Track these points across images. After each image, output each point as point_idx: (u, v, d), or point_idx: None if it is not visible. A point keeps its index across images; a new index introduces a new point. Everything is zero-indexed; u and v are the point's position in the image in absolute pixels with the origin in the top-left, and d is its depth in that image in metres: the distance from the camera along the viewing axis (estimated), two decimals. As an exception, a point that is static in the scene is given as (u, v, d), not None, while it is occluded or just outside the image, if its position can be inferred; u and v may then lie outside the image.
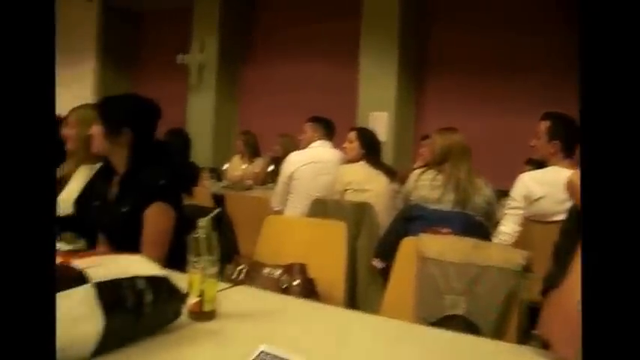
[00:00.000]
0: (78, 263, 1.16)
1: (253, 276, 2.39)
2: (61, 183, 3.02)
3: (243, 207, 3.99)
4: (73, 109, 3.07)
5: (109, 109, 2.37)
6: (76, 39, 9.75)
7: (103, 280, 1.14)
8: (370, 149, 4.14)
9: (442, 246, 2.18)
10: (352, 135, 4.23)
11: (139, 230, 2.26)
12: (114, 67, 9.66)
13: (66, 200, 2.90)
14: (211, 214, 1.52)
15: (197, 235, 1.45)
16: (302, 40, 7.89)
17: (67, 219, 2.70)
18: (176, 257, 2.11)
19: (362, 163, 4.08)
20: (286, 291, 2.26)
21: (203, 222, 1.46)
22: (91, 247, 2.43)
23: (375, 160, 4.11)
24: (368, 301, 3.47)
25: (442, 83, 6.83)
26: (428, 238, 2.27)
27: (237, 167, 6.13)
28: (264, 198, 4.57)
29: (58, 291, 1.08)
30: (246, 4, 8.45)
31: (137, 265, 1.28)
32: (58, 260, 1.18)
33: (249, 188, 5.47)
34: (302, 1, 7.92)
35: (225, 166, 6.21)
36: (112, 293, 1.14)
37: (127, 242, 2.23)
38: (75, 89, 9.47)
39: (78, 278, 1.12)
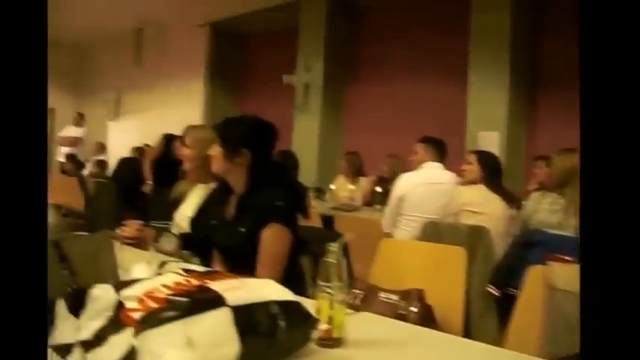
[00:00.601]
0: (215, 286, 1.14)
1: (369, 300, 2.34)
2: (177, 202, 3.10)
3: (353, 228, 3.94)
4: (189, 130, 3.15)
5: (228, 130, 2.40)
6: (186, 63, 10.14)
7: (239, 304, 1.12)
8: (490, 173, 4.00)
9: (573, 276, 2.04)
10: (472, 157, 4.11)
11: (255, 250, 2.27)
12: (221, 89, 9.95)
13: (181, 219, 2.97)
14: (342, 239, 1.48)
15: (328, 260, 1.41)
16: (408, 58, 7.81)
17: (182, 237, 2.75)
18: (290, 278, 2.10)
19: (480, 185, 3.96)
20: (403, 317, 2.19)
21: (334, 247, 1.42)
22: (204, 266, 2.46)
23: (495, 184, 3.97)
24: (481, 329, 3.33)
25: (556, 101, 6.51)
26: (558, 266, 2.13)
27: (343, 188, 6.11)
28: (373, 219, 4.51)
29: (196, 313, 1.07)
30: (351, 23, 8.47)
31: (271, 290, 1.25)
32: (196, 282, 1.17)
33: (356, 209, 5.43)
34: (407, 18, 7.86)
35: (332, 187, 6.20)
36: (248, 318, 1.13)
37: (243, 262, 2.24)
38: (184, 111, 9.83)
39: (216, 301, 1.10)
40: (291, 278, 2.16)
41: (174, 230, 2.89)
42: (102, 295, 1.21)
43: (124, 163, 8.26)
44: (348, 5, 8.32)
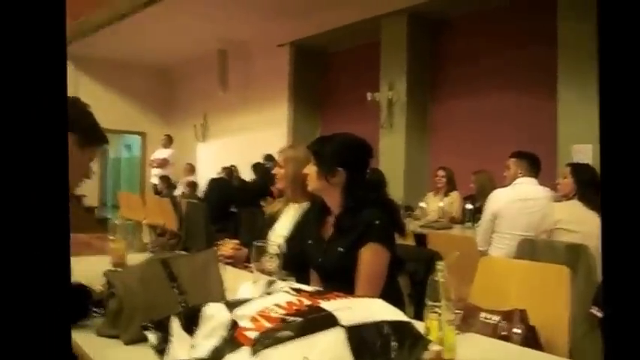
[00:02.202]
0: (327, 305, 1.14)
1: (469, 321, 2.29)
2: (271, 221, 3.14)
3: (446, 246, 3.88)
4: (283, 150, 3.19)
5: (323, 149, 2.41)
6: (269, 83, 10.33)
7: (352, 324, 1.12)
8: (586, 187, 3.83)
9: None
10: (566, 170, 3.98)
11: (353, 270, 2.26)
12: (304, 108, 10.06)
13: (276, 238, 3.00)
14: (449, 257, 1.45)
15: (436, 279, 1.38)
16: (493, 71, 7.65)
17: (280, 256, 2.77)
18: (388, 298, 2.08)
19: (574, 201, 3.81)
20: (505, 338, 2.12)
21: (441, 265, 1.39)
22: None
23: (591, 199, 3.79)
24: (584, 352, 3.19)
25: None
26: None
27: (433, 205, 6.04)
28: (466, 237, 4.43)
29: (310, 333, 1.07)
30: (433, 37, 8.40)
31: (382, 309, 1.24)
32: (307, 301, 1.18)
33: (448, 227, 5.35)
34: (492, 31, 7.72)
35: (422, 204, 6.14)
36: (361, 338, 1.12)
37: (340, 282, 2.23)
38: (270, 131, 10.00)
39: (329, 321, 1.10)
40: (389, 297, 2.14)
41: (272, 249, 2.92)
42: (215, 314, 1.23)
43: (213, 183, 8.48)
44: (430, 20, 8.26)
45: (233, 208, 8.01)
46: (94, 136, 1.96)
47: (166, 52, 11.87)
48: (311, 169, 2.41)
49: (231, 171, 8.76)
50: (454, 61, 8.20)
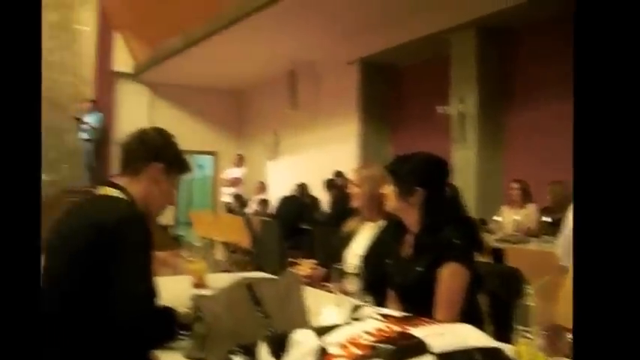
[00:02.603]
0: (417, 332, 1.14)
1: (555, 342, 2.22)
2: (347, 240, 3.14)
3: (526, 262, 3.78)
4: (358, 168, 3.21)
5: (402, 169, 2.40)
6: (339, 100, 10.38)
7: (443, 351, 1.11)
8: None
9: None
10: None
11: (431, 290, 2.24)
12: (374, 124, 10.04)
13: (352, 257, 3.00)
14: (542, 281, 1.42)
15: (527, 304, 1.36)
16: (566, 79, 7.40)
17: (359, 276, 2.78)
18: (468, 317, 2.04)
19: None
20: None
21: (531, 289, 1.36)
22: (377, 305, 2.45)
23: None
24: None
25: None
26: None
27: (508, 218, 5.91)
28: (545, 251, 4.30)
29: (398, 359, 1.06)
30: (502, 46, 8.23)
31: (471, 335, 1.22)
32: (396, 328, 1.17)
33: (525, 241, 5.22)
34: (561, 37, 7.50)
35: (497, 218, 6.02)
36: (452, 366, 1.10)
37: (419, 301, 2.22)
38: (340, 148, 10.04)
39: (420, 348, 1.09)
40: (469, 317, 2.11)
41: (349, 269, 2.92)
42: (303, 340, 1.24)
43: (284, 201, 8.57)
44: (498, 29, 8.12)
45: (304, 225, 8.07)
46: (179, 165, 2.03)
47: (237, 75, 12.13)
48: (389, 190, 2.41)
49: (302, 188, 8.84)
50: (525, 71, 8.02)
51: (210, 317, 1.62)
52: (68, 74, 12.12)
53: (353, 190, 3.09)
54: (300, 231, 7.90)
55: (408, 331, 1.16)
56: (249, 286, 1.69)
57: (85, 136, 11.37)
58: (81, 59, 12.28)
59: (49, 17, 11.97)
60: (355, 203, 3.09)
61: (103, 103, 12.16)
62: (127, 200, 1.87)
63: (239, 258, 8.92)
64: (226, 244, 8.83)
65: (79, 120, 11.23)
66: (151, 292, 1.69)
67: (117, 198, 1.87)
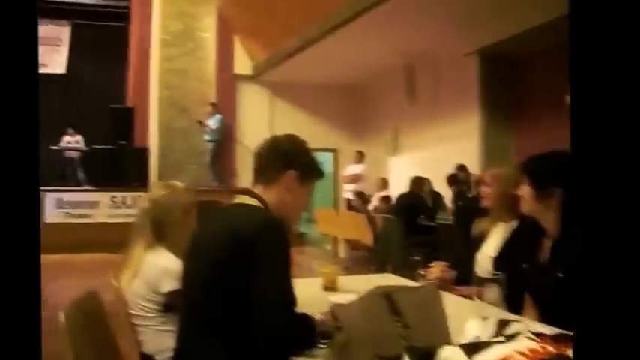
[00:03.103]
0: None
1: None
2: (478, 241, 3.06)
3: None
4: (489, 169, 3.12)
5: (538, 170, 2.30)
6: (458, 94, 10.14)
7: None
8: None
9: None
10: None
11: (572, 297, 2.11)
12: (496, 117, 9.72)
13: (484, 259, 2.91)
14: None
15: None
16: None
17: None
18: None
19: None
20: None
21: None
22: (512, 310, 2.36)
23: None
24: None
25: None
26: None
27: None
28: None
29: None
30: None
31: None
32: (552, 349, 1.12)
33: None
34: None
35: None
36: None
37: (559, 308, 2.11)
38: (461, 142, 9.81)
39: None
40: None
41: (482, 272, 2.84)
42: (452, 356, 1.21)
43: (404, 197, 8.50)
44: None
45: (425, 221, 7.97)
46: (312, 172, 2.04)
47: (354, 71, 12.17)
48: (525, 191, 2.31)
49: (421, 183, 8.71)
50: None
51: (349, 326, 1.61)
52: (193, 79, 12.70)
53: (484, 190, 3.01)
54: (422, 228, 7.81)
55: (565, 353, 1.10)
56: (388, 295, 1.68)
57: (207, 137, 11.91)
58: (204, 64, 12.82)
59: (172, 27, 12.60)
60: (486, 203, 3.00)
61: (225, 104, 12.64)
62: (264, 208, 1.91)
63: (360, 255, 8.96)
64: (348, 242, 8.89)
65: (200, 123, 11.83)
66: (291, 299, 1.71)
67: (254, 206, 1.91)
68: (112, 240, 9.72)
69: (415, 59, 10.90)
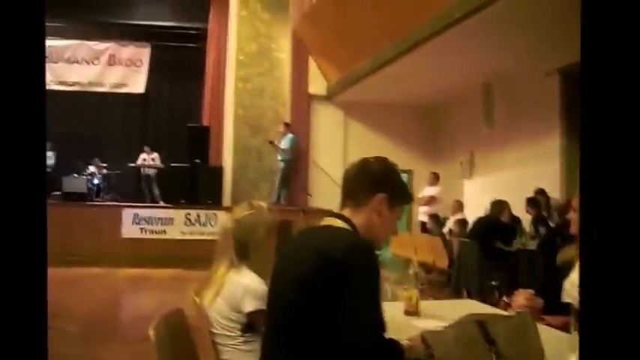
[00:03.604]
0: None
1: None
2: (565, 268, 2.93)
3: None
4: (577, 194, 2.99)
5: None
6: (538, 115, 9.86)
7: None
8: None
9: None
10: None
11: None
12: (578, 139, 9.38)
13: (572, 287, 2.79)
14: None
15: None
16: None
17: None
18: None
19: None
20: None
21: None
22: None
23: None
24: None
25: None
26: None
27: None
28: None
29: None
30: None
31: None
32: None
33: None
34: None
35: None
36: None
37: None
38: (541, 165, 9.53)
39: None
40: None
41: (566, 299, 2.72)
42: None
43: (482, 220, 8.31)
44: None
45: (502, 245, 7.76)
46: (401, 195, 2.00)
47: (429, 91, 12.06)
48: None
49: (501, 206, 8.48)
50: None
51: (441, 354, 1.57)
52: (268, 99, 12.93)
53: (572, 216, 2.89)
54: (499, 252, 7.61)
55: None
56: (482, 322, 1.62)
57: (279, 157, 12.07)
58: (279, 84, 13.03)
59: (248, 47, 12.89)
60: (573, 230, 2.88)
61: (299, 124, 12.78)
62: (352, 231, 1.88)
63: (435, 278, 8.81)
64: (422, 264, 8.75)
65: (271, 143, 12.00)
66: (381, 323, 1.67)
67: (343, 228, 1.88)
68: (186, 256, 10.03)
69: (492, 78, 10.70)
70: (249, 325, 2.36)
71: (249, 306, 2.33)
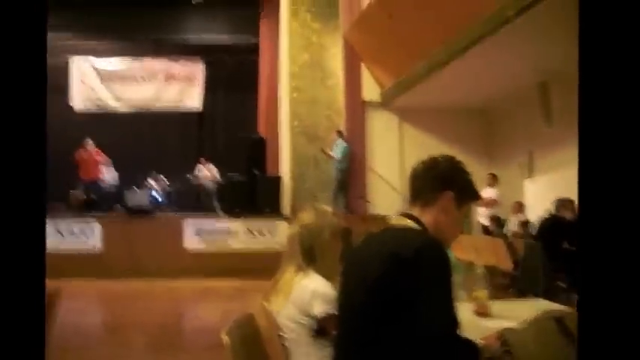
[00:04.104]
0: None
1: None
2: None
3: None
4: None
5: None
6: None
7: None
8: None
9: None
10: None
11: None
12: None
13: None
14: None
15: None
16: None
17: None
18: None
19: None
20: None
21: None
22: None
23: None
24: None
25: None
26: None
27: None
28: None
29: None
30: None
31: None
32: None
33: None
34: None
35: None
36: None
37: None
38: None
39: None
40: None
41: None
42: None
43: (547, 221, 8.12)
44: None
45: (569, 246, 7.55)
46: (469, 193, 1.99)
47: (484, 92, 11.87)
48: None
49: (568, 206, 8.27)
50: None
51: (521, 351, 1.54)
52: (322, 108, 12.96)
53: None
54: (565, 253, 7.41)
55: None
56: (560, 319, 1.58)
57: (334, 165, 12.09)
58: (333, 93, 13.06)
59: (300, 58, 12.98)
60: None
61: (355, 132, 12.78)
62: (422, 230, 1.87)
63: (498, 281, 8.64)
64: (485, 267, 8.61)
65: (324, 152, 12.01)
66: (455, 321, 1.66)
67: (412, 228, 1.88)
68: (248, 267, 10.11)
69: (550, 76, 10.46)
70: (321, 330, 2.37)
71: (318, 309, 2.34)
